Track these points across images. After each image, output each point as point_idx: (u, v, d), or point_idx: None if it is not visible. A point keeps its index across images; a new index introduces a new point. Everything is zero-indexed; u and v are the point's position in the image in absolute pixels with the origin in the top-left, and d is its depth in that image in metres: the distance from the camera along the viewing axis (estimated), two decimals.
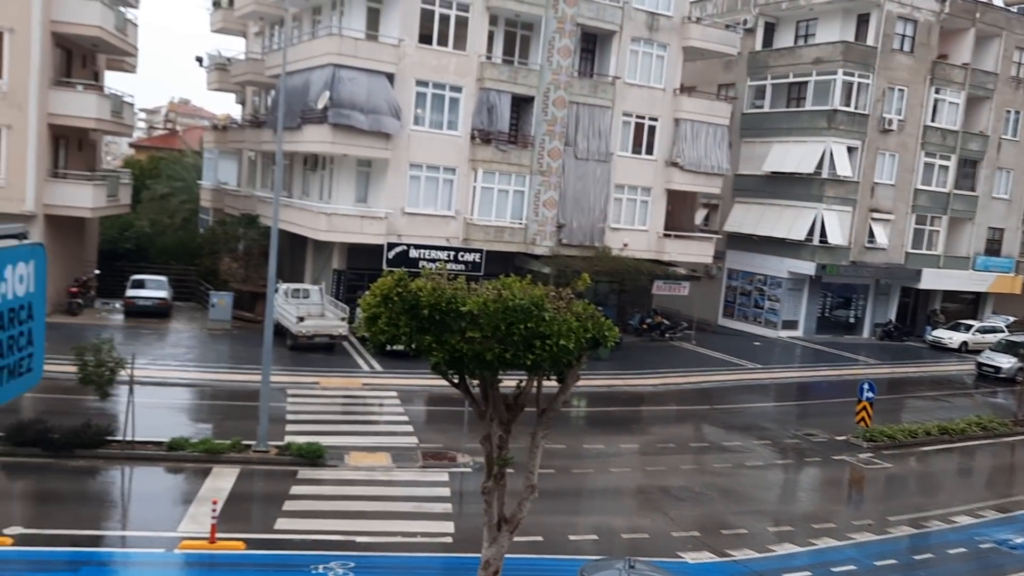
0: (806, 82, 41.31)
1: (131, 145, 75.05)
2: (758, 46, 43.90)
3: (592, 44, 36.88)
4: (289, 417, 21.81)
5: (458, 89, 33.51)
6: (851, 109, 40.51)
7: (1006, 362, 35.81)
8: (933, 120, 43.47)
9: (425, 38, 32.66)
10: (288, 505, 16.30)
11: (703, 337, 38.84)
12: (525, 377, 11.21)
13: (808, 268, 40.73)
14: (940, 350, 41.85)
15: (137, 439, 18.17)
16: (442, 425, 22.76)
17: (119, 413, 19.52)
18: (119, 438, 18.21)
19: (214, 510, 14.46)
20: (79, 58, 33.53)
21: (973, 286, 46.93)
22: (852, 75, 40.30)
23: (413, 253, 32.93)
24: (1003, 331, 42.46)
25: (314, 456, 18.49)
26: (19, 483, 17.10)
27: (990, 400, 32.99)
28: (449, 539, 15.47)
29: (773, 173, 41.68)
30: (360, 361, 29.16)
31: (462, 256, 33.71)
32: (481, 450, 11.99)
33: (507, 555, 11.68)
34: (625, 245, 36.61)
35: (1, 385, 5.38)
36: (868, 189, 41.86)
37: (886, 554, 16.56)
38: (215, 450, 18.25)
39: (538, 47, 34.76)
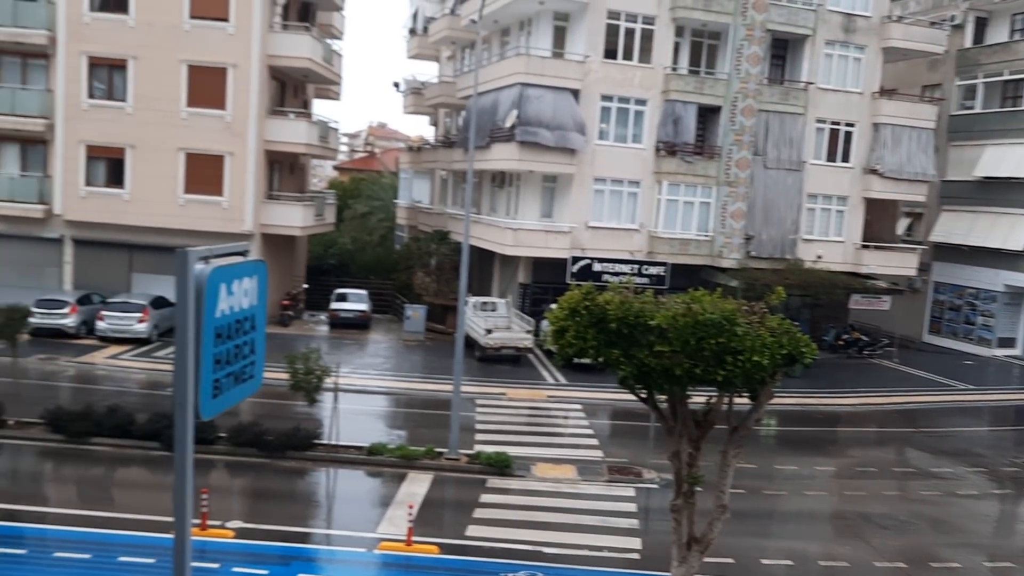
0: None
1: (335, 167, 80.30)
2: (968, 43, 40.64)
3: (783, 50, 35.64)
4: (478, 427, 22.47)
5: (643, 102, 33.41)
6: None
7: None
8: None
9: (610, 53, 32.84)
10: (478, 512, 16.79)
11: (906, 355, 36.30)
12: (715, 393, 10.98)
13: None
14: None
15: (340, 443, 19.37)
16: (627, 439, 22.65)
17: (324, 418, 20.94)
18: (324, 442, 19.49)
19: (410, 514, 15.14)
20: (291, 88, 36.39)
21: None
22: None
23: (597, 267, 33.07)
24: None
25: (502, 466, 18.94)
26: (238, 480, 18.65)
27: None
28: (636, 556, 15.34)
29: (986, 178, 38.38)
30: (545, 373, 29.58)
31: (646, 269, 33.47)
32: (668, 466, 11.84)
33: None
34: (819, 257, 34.98)
35: (228, 390, 5.92)
36: None
37: None
38: (410, 456, 19.12)
39: (725, 56, 34.03)
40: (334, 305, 36.05)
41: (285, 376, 20.22)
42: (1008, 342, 38.69)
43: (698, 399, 11.18)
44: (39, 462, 18.63)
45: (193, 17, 30.91)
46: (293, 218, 33.42)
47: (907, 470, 22.20)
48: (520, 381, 28.14)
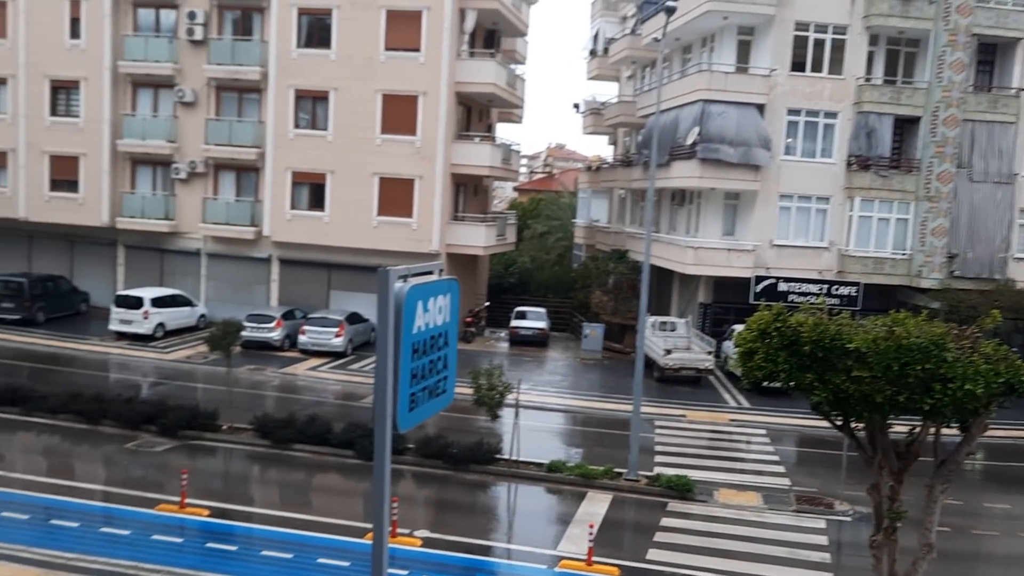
0: None
1: (515, 188, 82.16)
2: None
3: (990, 55, 33.00)
4: (657, 448, 22.17)
5: (833, 115, 32.00)
6: None
7: None
8: None
9: (797, 65, 31.74)
10: (659, 536, 16.54)
11: None
12: (920, 423, 10.27)
13: None
14: None
15: (521, 459, 19.71)
16: (816, 468, 21.60)
17: (505, 433, 21.38)
18: (505, 456, 19.89)
19: (591, 533, 15.13)
20: (476, 113, 37.69)
21: None
22: None
23: (782, 286, 31.86)
24: None
25: (683, 489, 18.58)
26: (425, 490, 19.36)
27: None
28: None
29: None
30: (727, 396, 28.77)
31: (836, 289, 31.85)
32: (862, 498, 11.22)
33: None
34: None
35: (423, 404, 6.19)
36: None
37: None
38: (589, 475, 19.14)
39: (925, 63, 32.00)
40: (514, 323, 36.81)
41: (468, 391, 20.84)
42: None
43: (899, 428, 10.51)
44: (247, 465, 20.18)
45: (388, 49, 32.76)
46: (476, 238, 34.50)
47: None
48: (700, 403, 27.53)
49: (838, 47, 31.73)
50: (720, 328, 33.00)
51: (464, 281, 36.64)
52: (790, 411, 26.47)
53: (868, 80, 32.04)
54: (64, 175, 36.01)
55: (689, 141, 31.52)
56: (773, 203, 32.21)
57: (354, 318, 32.01)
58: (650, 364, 29.43)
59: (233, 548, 15.12)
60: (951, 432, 10.23)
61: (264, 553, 14.89)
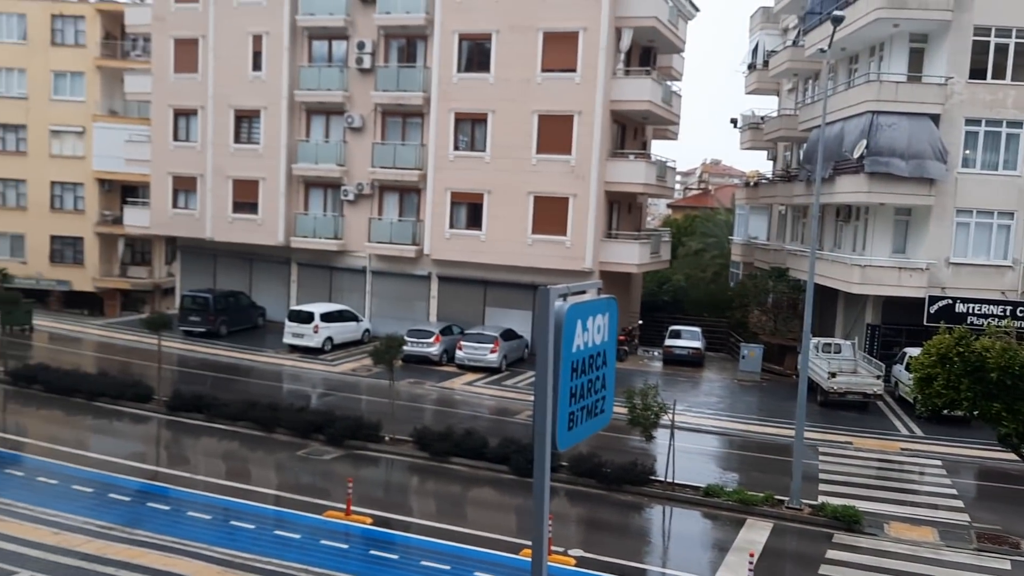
0: None
1: (669, 205, 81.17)
2: None
3: None
4: (821, 476, 21.20)
5: (1017, 124, 29.79)
6: None
7: None
8: None
9: (977, 72, 29.72)
10: (824, 569, 15.79)
11: None
12: None
13: None
14: None
15: (676, 481, 19.37)
16: (999, 504, 19.98)
17: (659, 454, 21.08)
18: (659, 478, 19.61)
19: (751, 563, 14.67)
20: (631, 130, 37.60)
21: None
22: None
23: (960, 307, 29.79)
24: None
25: (851, 521, 17.65)
26: (578, 509, 19.36)
27: None
28: None
29: None
30: (897, 423, 27.14)
31: (1022, 311, 29.42)
32: None
33: None
34: None
35: (581, 423, 6.18)
36: None
37: None
38: (748, 501, 18.56)
39: None
40: (668, 341, 36.28)
41: (622, 410, 20.71)
42: None
43: None
44: (407, 475, 20.91)
45: (544, 70, 33.31)
46: (629, 256, 34.33)
47: None
48: (868, 430, 26.11)
49: (1023, 52, 29.47)
50: (889, 351, 31.21)
51: (617, 299, 36.46)
52: (968, 441, 24.66)
53: None
54: (245, 198, 38.82)
55: (856, 154, 30.12)
56: (949, 218, 30.22)
57: (508, 334, 32.56)
58: (813, 387, 28.21)
59: (394, 557, 15.70)
60: None
61: (423, 563, 15.36)
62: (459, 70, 34.77)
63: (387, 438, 22.15)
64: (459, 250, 35.25)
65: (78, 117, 46.22)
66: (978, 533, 17.74)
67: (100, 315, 44.63)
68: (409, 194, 36.78)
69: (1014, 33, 29.47)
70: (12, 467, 19.62)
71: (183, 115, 39.89)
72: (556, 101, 33.19)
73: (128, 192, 46.76)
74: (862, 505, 18.53)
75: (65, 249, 47.03)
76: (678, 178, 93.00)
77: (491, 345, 31.46)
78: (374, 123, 36.64)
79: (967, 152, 30.18)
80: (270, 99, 37.78)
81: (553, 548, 15.59)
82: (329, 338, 33.81)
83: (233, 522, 16.75)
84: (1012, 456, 9.94)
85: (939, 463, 23.15)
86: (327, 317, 34.05)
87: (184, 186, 40.20)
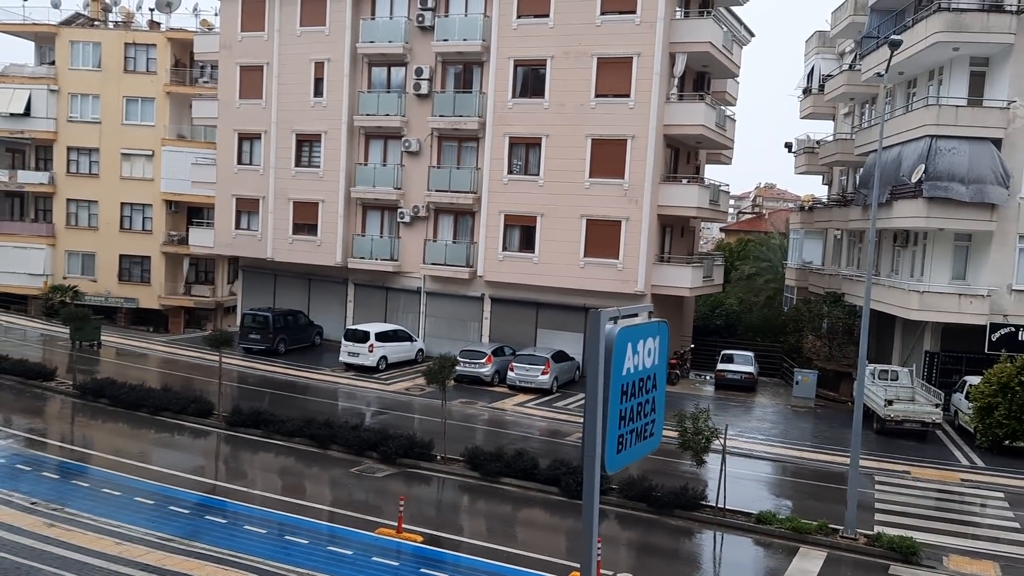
0: None
1: (722, 229, 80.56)
2: None
3: None
4: (878, 506, 20.85)
5: None
6: None
7: None
8: None
9: None
10: None
11: None
12: None
13: None
14: None
15: (727, 507, 19.25)
16: None
17: (710, 480, 20.98)
18: (711, 504, 19.52)
19: None
20: (684, 154, 37.64)
21: None
22: None
23: (1023, 336, 29.04)
24: None
25: (908, 552, 17.33)
26: (628, 532, 19.36)
27: None
28: None
29: None
30: (957, 453, 26.47)
31: None
32: None
33: None
34: None
35: (631, 446, 6.29)
36: None
37: None
38: (801, 529, 18.35)
39: None
40: (720, 366, 36.02)
41: (673, 434, 20.68)
42: None
43: None
44: (458, 495, 21.14)
45: (598, 96, 33.63)
46: (682, 279, 34.27)
47: None
48: (926, 459, 25.54)
49: None
50: (949, 379, 30.54)
51: (669, 322, 36.35)
52: None
53: None
54: (305, 219, 39.81)
55: (914, 179, 29.73)
56: (1012, 244, 29.58)
57: (560, 356, 32.71)
58: (869, 415, 27.72)
59: (444, 575, 15.91)
60: None
61: None
62: (514, 95, 35.28)
63: (439, 457, 22.44)
64: (512, 272, 35.60)
65: (148, 141, 48.01)
66: None
67: (165, 332, 46.06)
68: (464, 217, 37.31)
69: None
70: (79, 478, 20.39)
71: (247, 139, 41.15)
72: (609, 125, 33.45)
73: (193, 213, 48.32)
74: (920, 536, 18.19)
75: (133, 268, 48.74)
76: (731, 202, 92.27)
77: (542, 367, 31.64)
78: (430, 147, 37.32)
79: None
80: (330, 124, 38.77)
81: (602, 572, 15.65)
82: (384, 357, 34.36)
83: (287, 537, 17.16)
84: None
85: (1001, 495, 22.55)
86: (382, 337, 34.63)
87: (247, 208, 41.39)
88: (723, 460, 19.48)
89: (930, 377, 31.12)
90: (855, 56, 39.65)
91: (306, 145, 39.87)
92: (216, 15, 43.41)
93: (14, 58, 78.17)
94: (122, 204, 48.61)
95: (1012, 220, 29.43)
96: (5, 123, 48.53)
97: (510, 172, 35.64)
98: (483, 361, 32.59)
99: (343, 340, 34.71)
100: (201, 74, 48.72)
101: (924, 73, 33.04)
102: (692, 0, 35.60)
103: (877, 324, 33.69)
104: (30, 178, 49.43)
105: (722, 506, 19.24)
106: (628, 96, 33.19)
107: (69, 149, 49.08)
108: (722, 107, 37.79)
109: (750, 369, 35.82)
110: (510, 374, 32.07)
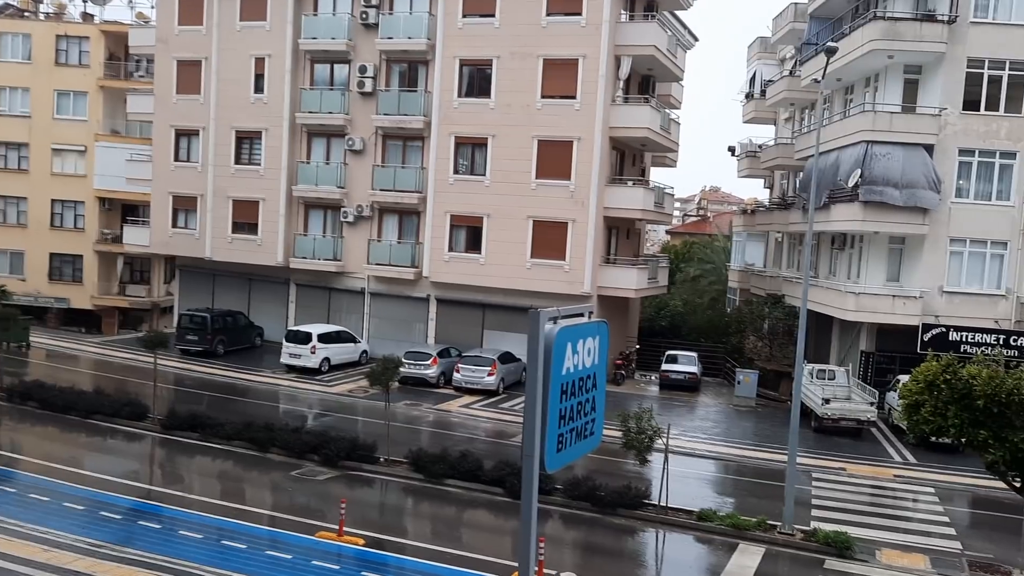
0: None
1: (668, 231, 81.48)
2: None
3: None
4: (814, 502, 21.24)
5: (1010, 155, 30.11)
6: None
7: None
8: None
9: (971, 104, 30.13)
10: None
11: None
12: None
13: None
14: None
15: (670, 505, 19.40)
16: (991, 532, 20.02)
17: (653, 478, 21.14)
18: (654, 502, 19.66)
19: None
20: (630, 157, 37.95)
21: None
22: None
23: (953, 336, 29.97)
24: None
25: (842, 547, 17.69)
26: (571, 532, 19.39)
27: None
28: None
29: None
30: (890, 450, 27.19)
31: (1015, 341, 29.62)
32: None
33: None
34: None
35: (571, 445, 6.28)
36: None
37: None
38: (741, 526, 18.61)
39: None
40: (665, 366, 36.38)
41: (617, 434, 20.77)
42: None
43: None
44: (402, 497, 20.93)
45: (544, 97, 33.68)
46: (628, 281, 34.52)
47: None
48: (861, 456, 26.15)
49: (1016, 84, 29.87)
50: (884, 378, 31.35)
51: (614, 324, 36.61)
52: (962, 469, 24.69)
53: None
54: (245, 218, 39.05)
55: (851, 183, 30.42)
56: (943, 248, 30.48)
57: (506, 357, 32.65)
58: (807, 413, 28.29)
59: None
60: None
61: None
62: (460, 95, 35.14)
63: (382, 459, 22.19)
64: (458, 273, 35.43)
65: (80, 136, 46.57)
66: (970, 561, 17.77)
67: (98, 333, 44.72)
68: (409, 217, 37.02)
69: (1007, 65, 29.87)
70: (5, 483, 19.65)
71: (185, 135, 40.23)
72: (556, 127, 33.53)
73: (128, 211, 47.03)
74: (854, 531, 18.57)
75: (64, 267, 47.20)
76: (677, 205, 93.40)
77: (488, 368, 31.55)
78: (375, 146, 36.95)
79: (961, 182, 30.50)
80: (271, 121, 38.12)
81: (546, 571, 15.62)
82: (326, 359, 33.89)
83: (225, 541, 16.77)
84: (1004, 484, 10.04)
85: (932, 491, 23.19)
86: (325, 338, 34.15)
87: (184, 206, 40.45)
88: (666, 459, 19.62)
89: (866, 376, 31.88)
90: (795, 62, 40.46)
91: (246, 142, 39.12)
92: (152, 8, 42.38)
93: None
94: (52, 201, 47.04)
95: (943, 224, 30.31)
96: None
97: (456, 172, 35.48)
98: (428, 363, 32.37)
99: (284, 341, 34.14)
100: (136, 68, 47.43)
101: (861, 80, 33.85)
102: (637, 3, 35.86)
103: (815, 325, 34.42)
104: None
105: (665, 504, 19.37)
106: (574, 98, 33.31)
107: None
108: (667, 110, 38.23)
109: (694, 369, 36.25)
110: (456, 375, 31.90)
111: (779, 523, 18.73)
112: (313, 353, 33.36)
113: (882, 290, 30.77)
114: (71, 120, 46.65)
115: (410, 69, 36.61)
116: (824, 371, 31.05)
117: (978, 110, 30.17)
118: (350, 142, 36.99)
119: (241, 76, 38.45)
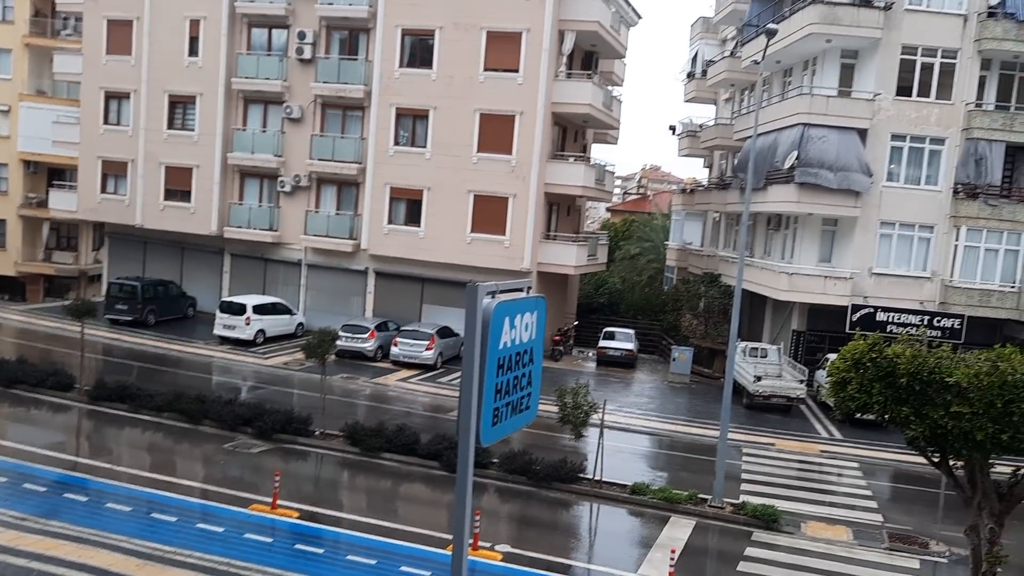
0: None
1: (608, 209, 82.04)
2: None
3: None
4: (744, 476, 21.77)
5: (939, 141, 30.97)
6: None
7: None
8: None
9: (903, 90, 30.89)
10: (743, 566, 16.24)
11: None
12: None
13: None
14: None
15: (604, 479, 19.66)
16: (911, 505, 20.82)
17: (588, 453, 21.38)
18: (588, 476, 19.89)
19: (672, 558, 15.02)
20: (572, 133, 37.95)
21: None
22: None
23: (880, 316, 30.87)
24: None
25: (770, 519, 18.20)
26: (507, 505, 19.50)
27: None
28: None
29: None
30: (818, 426, 28.00)
31: (938, 321, 30.69)
32: (960, 539, 10.80)
33: None
34: None
35: (506, 419, 6.29)
36: None
37: None
38: (673, 499, 18.97)
39: None
40: (602, 343, 36.73)
41: (554, 409, 20.93)
42: None
43: (1002, 469, 10.12)
44: (337, 470, 20.77)
45: (487, 69, 33.38)
46: (567, 257, 34.65)
47: None
48: (790, 432, 26.88)
49: (947, 71, 30.72)
50: (814, 357, 32.21)
51: (553, 300, 36.80)
52: (885, 445, 25.59)
53: (979, 106, 30.87)
54: (178, 185, 37.98)
55: (787, 165, 30.98)
56: (873, 230, 31.31)
57: (445, 332, 32.55)
58: (739, 390, 28.89)
59: (320, 551, 15.59)
60: None
61: (349, 558, 15.31)
62: (401, 65, 34.61)
63: (318, 432, 21.96)
64: (397, 246, 35.09)
65: (3, 96, 44.65)
66: (890, 533, 18.46)
67: (22, 300, 43.18)
68: (347, 188, 36.47)
69: (939, 53, 30.67)
70: None
71: (115, 98, 38.84)
72: (498, 100, 33.30)
73: (55, 175, 45.35)
74: (782, 504, 19.11)
75: None
76: (617, 182, 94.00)
77: (427, 342, 31.41)
78: (313, 115, 36.22)
79: (892, 166, 31.30)
80: (206, 86, 37.03)
81: (481, 543, 15.71)
82: (261, 331, 33.33)
83: (155, 514, 16.43)
84: (924, 459, 10.39)
85: (856, 465, 23.99)
86: (260, 309, 33.55)
87: (114, 171, 39.15)
88: (601, 434, 19.87)
89: (796, 355, 32.70)
90: (736, 43, 40.88)
91: (180, 107, 37.96)
92: None
93: None
94: None
95: (874, 207, 31.11)
96: None
97: (397, 144, 35.02)
98: (366, 336, 32.08)
99: (218, 312, 33.42)
100: (64, 26, 45.50)
101: (800, 63, 34.38)
102: None
103: (750, 304, 35.12)
104: None
105: (599, 478, 19.63)
106: (517, 71, 33.10)
107: None
108: (609, 87, 38.30)
109: (630, 346, 36.68)
110: (394, 349, 31.69)
111: (710, 497, 19.15)
112: (248, 325, 32.76)
113: (814, 271, 31.51)
114: None
115: (351, 37, 35.89)
116: (757, 349, 31.74)
117: (910, 96, 30.96)
118: (288, 110, 36.18)
119: (175, 38, 37.21)
